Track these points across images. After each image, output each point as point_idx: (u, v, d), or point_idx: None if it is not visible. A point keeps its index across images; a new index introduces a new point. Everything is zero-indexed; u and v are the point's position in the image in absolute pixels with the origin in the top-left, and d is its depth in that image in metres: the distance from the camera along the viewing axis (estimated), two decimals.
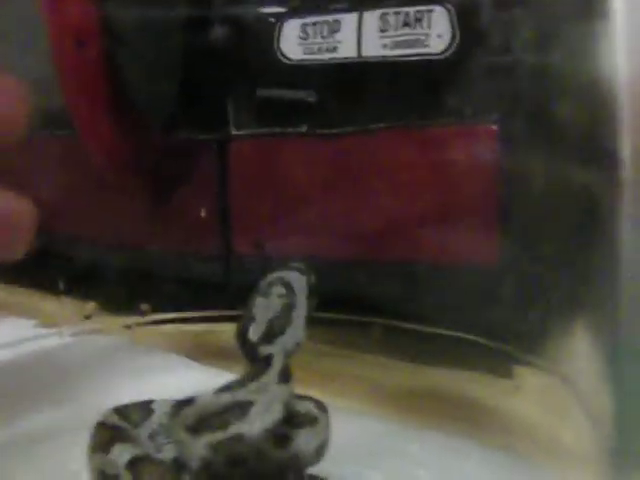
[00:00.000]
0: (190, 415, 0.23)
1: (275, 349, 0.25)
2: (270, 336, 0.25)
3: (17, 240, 0.26)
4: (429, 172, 0.34)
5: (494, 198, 0.33)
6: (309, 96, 0.36)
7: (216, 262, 0.40)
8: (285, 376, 0.24)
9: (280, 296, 0.26)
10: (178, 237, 0.40)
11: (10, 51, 0.35)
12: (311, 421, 0.24)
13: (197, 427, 0.22)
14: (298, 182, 0.38)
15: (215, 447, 0.22)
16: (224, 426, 0.22)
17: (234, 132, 0.39)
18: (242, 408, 0.22)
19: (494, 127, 0.32)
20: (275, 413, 0.22)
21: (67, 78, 0.37)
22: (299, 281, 0.27)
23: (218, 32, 0.38)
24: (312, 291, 0.27)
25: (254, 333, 0.25)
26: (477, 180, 0.33)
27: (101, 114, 0.37)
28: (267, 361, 0.24)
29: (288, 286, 0.26)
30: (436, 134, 0.33)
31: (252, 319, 0.26)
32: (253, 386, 0.23)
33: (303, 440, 0.23)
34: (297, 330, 0.26)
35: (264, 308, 0.26)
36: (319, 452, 0.23)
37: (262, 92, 0.37)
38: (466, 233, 0.33)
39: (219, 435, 0.22)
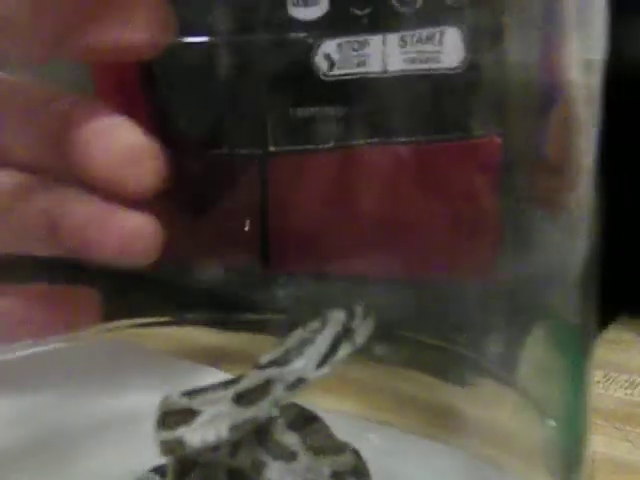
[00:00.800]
0: (158, 410, 0.25)
1: (262, 375, 0.26)
2: (271, 364, 0.26)
3: (142, 252, 0.28)
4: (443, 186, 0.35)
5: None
6: (341, 111, 0.38)
7: (253, 278, 0.42)
8: (249, 399, 0.25)
9: (311, 331, 0.27)
10: (217, 252, 0.43)
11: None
12: (289, 457, 0.25)
13: (159, 422, 0.25)
14: (328, 198, 0.40)
15: (163, 445, 0.25)
16: (172, 427, 0.24)
17: (272, 148, 0.41)
18: (190, 415, 0.25)
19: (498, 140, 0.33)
20: (218, 431, 0.24)
21: (107, 99, 0.40)
22: (337, 321, 0.27)
23: (260, 54, 0.40)
24: (347, 334, 0.27)
25: (265, 358, 0.27)
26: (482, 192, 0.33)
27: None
28: (236, 379, 0.26)
29: (325, 323, 0.27)
30: (447, 148, 0.35)
31: (280, 346, 0.27)
32: (208, 397, 0.25)
33: (276, 471, 0.25)
34: (303, 366, 0.26)
35: (293, 338, 0.27)
36: None
37: (298, 109, 0.39)
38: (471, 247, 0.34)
39: (167, 434, 0.24)
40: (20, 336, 0.30)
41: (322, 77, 0.37)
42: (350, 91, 0.37)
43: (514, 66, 0.33)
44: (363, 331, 0.27)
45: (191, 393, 0.25)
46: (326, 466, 0.25)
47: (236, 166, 0.42)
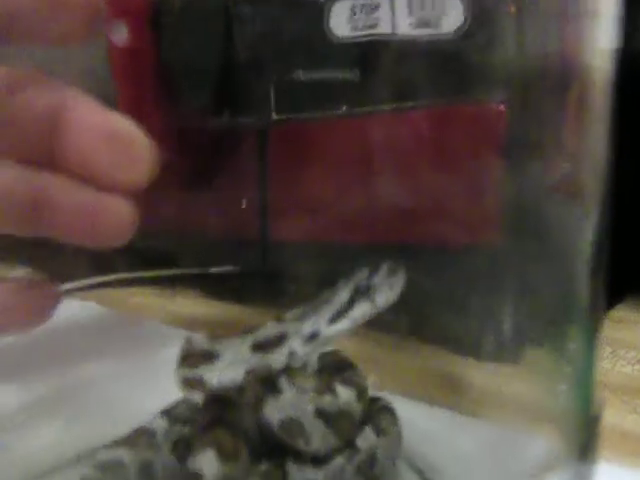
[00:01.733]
0: (181, 350, 0.29)
1: (279, 328, 0.29)
2: (290, 319, 0.29)
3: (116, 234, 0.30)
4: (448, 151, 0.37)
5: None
6: (353, 75, 0.40)
7: (253, 249, 0.44)
8: (266, 349, 0.28)
9: (334, 289, 0.29)
10: (217, 223, 0.44)
11: None
12: (274, 391, 0.28)
13: (181, 361, 0.29)
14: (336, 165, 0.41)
15: (184, 382, 0.28)
16: (193, 367, 0.28)
17: (275, 117, 0.43)
18: (211, 357, 0.28)
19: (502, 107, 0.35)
20: (235, 374, 0.27)
21: (118, 66, 0.42)
22: (357, 279, 0.29)
23: (264, 17, 0.42)
24: (366, 292, 0.29)
25: (292, 313, 0.29)
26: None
27: (150, 103, 0.42)
28: (252, 329, 0.29)
29: (348, 282, 0.29)
30: (453, 113, 0.37)
31: (310, 303, 0.30)
32: (228, 343, 0.28)
33: (268, 408, 0.28)
34: (316, 321, 0.29)
35: (319, 297, 0.29)
36: (286, 428, 0.27)
37: (306, 73, 0.41)
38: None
39: (188, 372, 0.28)
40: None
41: (334, 40, 0.39)
42: (359, 55, 0.39)
43: (527, 40, 0.35)
44: (385, 290, 0.29)
45: (212, 338, 0.29)
46: (310, 404, 0.28)
47: (236, 135, 0.44)
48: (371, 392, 0.30)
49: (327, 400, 0.28)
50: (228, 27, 0.43)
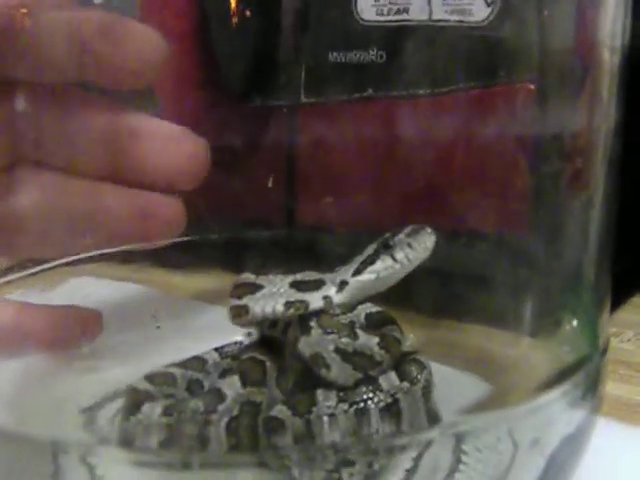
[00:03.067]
0: (234, 283, 0.35)
1: (317, 275, 0.34)
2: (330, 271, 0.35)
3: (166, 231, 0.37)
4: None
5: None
6: (378, 57, 0.43)
7: (279, 230, 0.48)
8: (303, 287, 0.33)
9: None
10: (244, 205, 0.47)
11: None
12: (306, 331, 0.33)
13: (231, 292, 0.34)
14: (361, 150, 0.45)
15: (232, 310, 0.34)
16: (240, 296, 0.34)
17: (304, 99, 0.46)
18: (255, 288, 0.33)
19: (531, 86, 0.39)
20: (275, 304, 0.33)
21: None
22: (382, 239, 0.34)
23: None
24: (386, 248, 0.33)
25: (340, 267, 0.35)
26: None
27: (187, 89, 0.46)
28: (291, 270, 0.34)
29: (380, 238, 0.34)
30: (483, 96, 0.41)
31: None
32: (272, 278, 0.34)
33: (302, 344, 0.33)
34: (344, 272, 0.34)
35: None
36: (314, 360, 0.32)
37: (334, 56, 0.44)
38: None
39: (235, 302, 0.34)
40: (25, 349, 0.36)
41: (362, 22, 0.43)
42: (387, 38, 0.43)
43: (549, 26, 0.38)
44: (404, 247, 0.33)
45: (258, 274, 0.34)
46: (331, 343, 0.32)
47: (266, 118, 0.48)
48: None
49: (344, 341, 0.32)
50: (268, 14, 0.47)
